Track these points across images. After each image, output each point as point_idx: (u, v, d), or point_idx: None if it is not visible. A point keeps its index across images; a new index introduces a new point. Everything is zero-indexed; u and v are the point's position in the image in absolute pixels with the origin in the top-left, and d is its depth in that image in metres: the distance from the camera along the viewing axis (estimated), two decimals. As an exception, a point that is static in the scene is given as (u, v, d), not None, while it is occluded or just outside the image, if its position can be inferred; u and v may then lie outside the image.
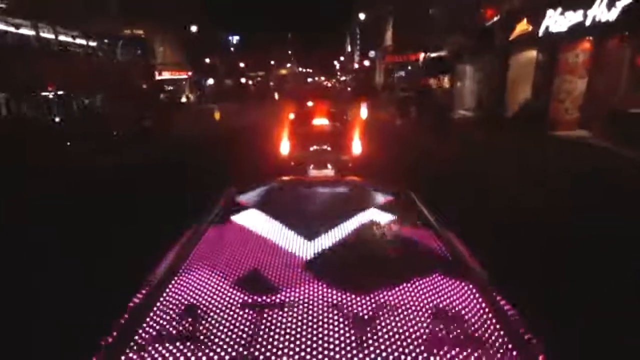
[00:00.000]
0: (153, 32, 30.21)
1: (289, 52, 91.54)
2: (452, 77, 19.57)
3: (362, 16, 35.96)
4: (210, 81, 38.58)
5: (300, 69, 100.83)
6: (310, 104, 12.98)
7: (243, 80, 52.43)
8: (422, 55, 22.59)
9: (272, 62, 73.78)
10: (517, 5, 11.34)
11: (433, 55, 18.60)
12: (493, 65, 13.56)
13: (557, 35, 9.56)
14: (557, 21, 9.39)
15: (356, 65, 54.72)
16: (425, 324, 0.88)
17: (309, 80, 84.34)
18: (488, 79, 15.17)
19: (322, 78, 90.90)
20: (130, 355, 0.80)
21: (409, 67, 29.49)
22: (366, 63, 41.25)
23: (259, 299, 0.97)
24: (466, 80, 18.45)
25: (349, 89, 40.38)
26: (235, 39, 53.08)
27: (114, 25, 22.60)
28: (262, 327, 0.87)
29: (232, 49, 52.51)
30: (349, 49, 73.94)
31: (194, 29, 32.06)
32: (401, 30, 26.83)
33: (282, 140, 6.68)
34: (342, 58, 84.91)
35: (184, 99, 33.19)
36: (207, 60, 40.00)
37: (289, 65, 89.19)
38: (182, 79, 36.10)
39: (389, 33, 31.23)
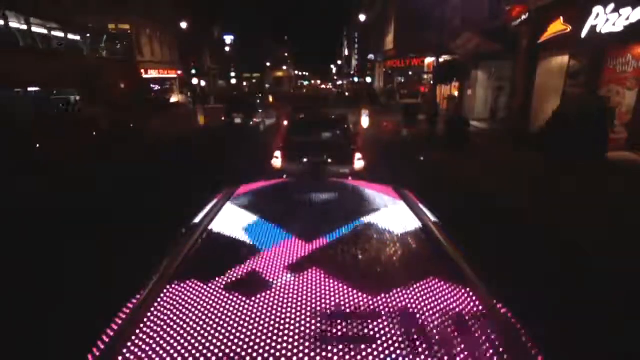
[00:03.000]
0: (140, 28, 28.44)
1: (285, 54, 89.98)
2: (461, 84, 17.92)
3: (362, 17, 34.34)
4: (198, 82, 36.62)
5: (296, 71, 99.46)
6: (306, 110, 11.39)
7: (234, 81, 50.44)
8: (428, 60, 20.97)
9: (268, 64, 72.12)
10: (550, 1, 9.66)
11: (441, 59, 16.95)
12: (515, 71, 11.87)
13: (607, 37, 7.88)
14: (608, 20, 7.72)
15: (354, 70, 53.31)
16: (422, 325, 0.86)
17: (305, 83, 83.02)
18: (506, 87, 13.49)
19: (319, 82, 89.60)
20: (127, 355, 0.79)
21: (410, 73, 28.06)
22: (368, 66, 39.71)
23: (256, 300, 0.96)
24: (477, 88, 16.83)
25: (346, 94, 38.90)
26: (229, 38, 51.03)
27: (98, 19, 20.99)
28: (259, 327, 0.85)
29: (226, 48, 50.57)
30: (347, 52, 72.76)
31: (184, 25, 30.04)
32: (404, 34, 25.29)
33: (274, 150, 5.93)
34: (339, 62, 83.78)
35: (174, 99, 31.51)
36: (199, 59, 38.15)
37: (284, 67, 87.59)
38: (172, 78, 34.41)
39: (390, 36, 29.67)
